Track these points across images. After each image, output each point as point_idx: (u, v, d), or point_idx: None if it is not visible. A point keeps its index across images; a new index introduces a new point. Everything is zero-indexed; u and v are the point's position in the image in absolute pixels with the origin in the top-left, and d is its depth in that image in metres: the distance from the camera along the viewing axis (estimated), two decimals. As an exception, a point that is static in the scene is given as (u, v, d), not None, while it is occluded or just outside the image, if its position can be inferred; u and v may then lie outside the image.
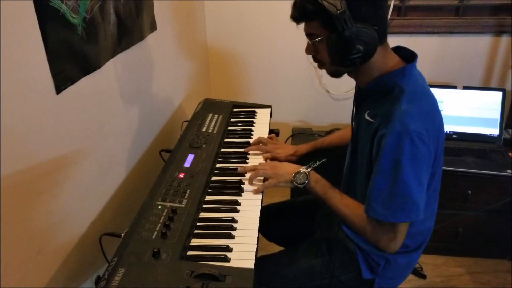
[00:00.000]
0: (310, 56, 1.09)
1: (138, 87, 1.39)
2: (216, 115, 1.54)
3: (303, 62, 2.27)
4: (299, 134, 2.16)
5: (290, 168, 1.16)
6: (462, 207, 1.87)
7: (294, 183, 1.13)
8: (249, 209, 1.09)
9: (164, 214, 1.01)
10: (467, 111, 1.96)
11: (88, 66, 1.04)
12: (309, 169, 1.14)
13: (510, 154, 1.86)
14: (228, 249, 0.94)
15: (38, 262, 0.91)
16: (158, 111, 1.60)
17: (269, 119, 1.58)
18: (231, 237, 0.99)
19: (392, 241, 1.00)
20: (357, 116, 1.12)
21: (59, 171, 0.96)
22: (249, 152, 1.35)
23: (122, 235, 0.97)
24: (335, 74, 1.09)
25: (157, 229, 0.96)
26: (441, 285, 1.87)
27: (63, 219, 0.99)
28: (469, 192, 1.83)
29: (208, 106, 1.62)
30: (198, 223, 1.03)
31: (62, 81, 0.93)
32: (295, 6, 1.01)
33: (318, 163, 1.28)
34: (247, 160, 1.31)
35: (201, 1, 2.18)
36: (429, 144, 0.94)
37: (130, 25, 1.28)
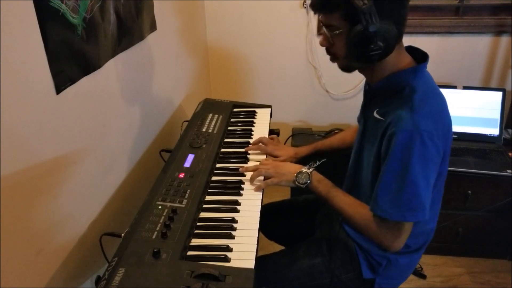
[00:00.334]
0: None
1: (138, 87, 1.39)
2: (216, 115, 1.54)
3: (303, 62, 2.26)
4: (299, 134, 2.16)
5: (292, 168, 1.16)
6: (462, 207, 1.87)
7: (296, 183, 1.13)
8: (249, 209, 1.09)
9: (164, 214, 1.01)
10: (467, 111, 1.96)
11: (88, 66, 1.04)
12: (311, 169, 1.14)
13: (510, 154, 1.86)
14: (228, 249, 0.94)
15: (38, 262, 0.91)
16: (158, 111, 1.60)
17: (269, 119, 1.58)
18: (231, 237, 0.99)
19: (396, 240, 1.00)
20: (365, 113, 1.12)
21: (59, 171, 0.96)
22: (249, 152, 1.35)
23: (122, 235, 0.97)
24: (347, 68, 1.07)
25: (157, 229, 0.96)
26: (441, 285, 1.87)
27: (63, 219, 0.99)
28: (469, 192, 1.83)
29: (208, 106, 1.62)
30: (198, 223, 1.03)
31: (62, 81, 0.93)
32: None
33: (318, 163, 1.28)
34: (247, 160, 1.31)
35: (201, 1, 2.18)
36: (438, 144, 0.94)
37: (130, 25, 1.28)
